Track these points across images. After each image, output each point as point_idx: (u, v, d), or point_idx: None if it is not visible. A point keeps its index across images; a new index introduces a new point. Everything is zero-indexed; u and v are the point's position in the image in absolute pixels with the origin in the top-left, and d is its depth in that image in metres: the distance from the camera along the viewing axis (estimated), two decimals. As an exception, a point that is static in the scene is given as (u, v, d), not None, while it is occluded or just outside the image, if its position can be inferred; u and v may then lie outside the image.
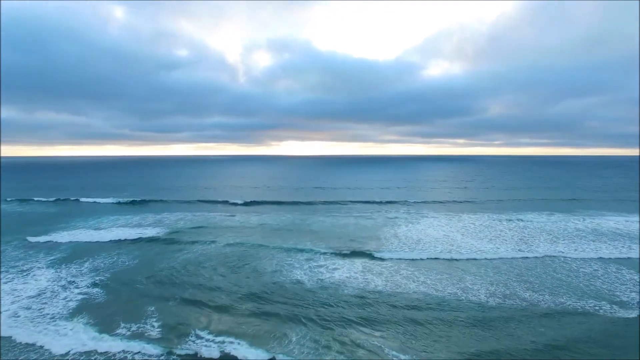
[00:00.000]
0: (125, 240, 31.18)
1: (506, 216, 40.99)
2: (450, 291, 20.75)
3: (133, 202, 51.78)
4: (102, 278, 22.38)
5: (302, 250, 28.01)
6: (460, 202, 52.37)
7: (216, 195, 60.20)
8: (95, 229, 35.29)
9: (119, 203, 51.65)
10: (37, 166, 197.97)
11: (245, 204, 50.43)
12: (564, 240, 30.64)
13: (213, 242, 30.29)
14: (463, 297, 19.88)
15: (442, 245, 29.00)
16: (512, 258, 25.63)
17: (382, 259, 25.79)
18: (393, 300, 19.45)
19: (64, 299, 19.60)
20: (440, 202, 51.69)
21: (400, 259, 25.84)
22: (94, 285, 21.45)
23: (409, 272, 23.61)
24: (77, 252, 27.84)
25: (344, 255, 26.79)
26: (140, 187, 74.68)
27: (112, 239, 31.18)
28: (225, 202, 50.93)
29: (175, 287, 21.08)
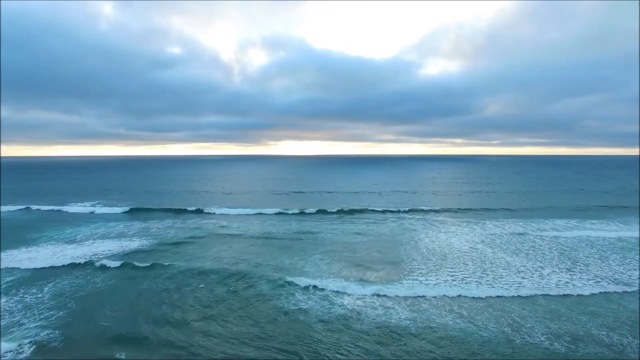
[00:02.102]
0: (102, 255, 26.64)
1: (534, 224, 36.72)
2: (495, 328, 16.39)
3: (119, 207, 47.10)
4: (63, 313, 17.79)
5: (305, 269, 23.64)
6: (477, 207, 48.07)
7: (211, 200, 55.73)
8: (69, 242, 30.70)
9: (103, 208, 46.92)
10: (28, 167, 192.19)
11: (242, 210, 45.87)
12: (612, 253, 26.40)
13: (203, 258, 25.85)
14: (516, 339, 15.51)
15: (473, 263, 24.65)
16: (566, 287, 21.28)
17: (405, 281, 21.39)
18: (425, 342, 15.11)
19: (9, 338, 15.10)
20: (456, 208, 47.36)
21: (426, 280, 21.45)
22: (53, 321, 16.94)
23: (438, 296, 19.28)
24: (41, 272, 23.35)
25: (357, 276, 22.38)
26: (131, 190, 69.97)
27: (85, 254, 26.57)
28: (220, 208, 46.38)
29: (153, 325, 16.60)
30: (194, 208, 46.27)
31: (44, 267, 24.04)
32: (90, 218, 41.73)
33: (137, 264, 24.57)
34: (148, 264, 24.29)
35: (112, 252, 27.88)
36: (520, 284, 20.45)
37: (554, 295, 19.23)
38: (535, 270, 22.78)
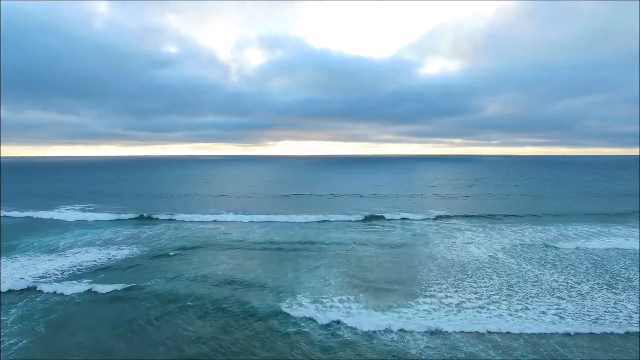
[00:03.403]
0: (82, 267, 23.91)
1: (554, 229, 34.08)
2: (537, 361, 13.75)
3: (109, 211, 44.33)
4: (26, 343, 15.05)
5: (310, 284, 20.96)
6: (490, 211, 45.46)
7: (207, 203, 53.00)
8: (49, 251, 27.91)
9: (92, 212, 44.11)
10: (22, 168, 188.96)
11: (240, 216, 43.17)
12: (651, 266, 23.77)
13: (195, 274, 23.07)
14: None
15: (498, 277, 21.94)
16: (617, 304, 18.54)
17: (422, 299, 18.68)
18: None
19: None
20: (467, 212, 44.72)
21: (446, 298, 18.74)
22: (12, 354, 14.23)
23: (464, 321, 16.58)
24: (11, 289, 20.58)
25: (367, 293, 19.68)
26: (124, 192, 67.15)
27: (63, 266, 23.80)
28: (217, 214, 43.66)
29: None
30: (188, 213, 43.54)
31: (26, 272, 21.23)
32: (77, 223, 38.89)
33: (119, 283, 21.75)
34: (132, 284, 21.23)
35: (95, 263, 25.10)
36: (559, 305, 17.67)
37: (602, 321, 16.43)
38: (571, 287, 20.06)
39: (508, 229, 34.65)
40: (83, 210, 47.01)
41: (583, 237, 31.23)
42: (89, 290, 20.26)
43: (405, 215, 41.03)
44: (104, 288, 20.28)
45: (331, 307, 18.18)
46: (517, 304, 18.21)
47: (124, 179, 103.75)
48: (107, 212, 43.97)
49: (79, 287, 20.56)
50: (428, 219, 39.57)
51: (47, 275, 22.22)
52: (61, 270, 23.23)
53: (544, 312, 16.91)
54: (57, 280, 21.57)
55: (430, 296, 19.52)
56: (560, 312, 16.81)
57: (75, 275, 22.47)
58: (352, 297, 19.40)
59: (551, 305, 17.65)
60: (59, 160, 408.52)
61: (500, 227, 35.48)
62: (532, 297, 18.93)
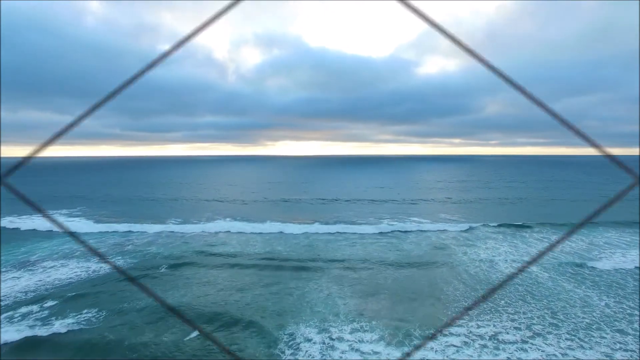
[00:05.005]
0: (52, 287, 20.62)
1: (583, 237, 30.75)
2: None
3: (95, 218, 41.09)
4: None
5: (316, 308, 17.77)
6: (507, 217, 42.28)
7: (202, 209, 49.81)
8: (17, 266, 24.61)
9: (75, 219, 40.86)
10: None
11: (237, 223, 39.91)
12: None
13: (184, 294, 19.81)
14: None
15: (535, 299, 18.64)
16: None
17: (448, 327, 15.44)
18: None
19: None
20: (483, 218, 41.49)
21: (478, 328, 15.50)
22: None
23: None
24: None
25: (382, 320, 16.43)
26: (114, 196, 63.90)
27: (28, 288, 20.46)
28: (212, 220, 40.42)
29: None
30: (182, 220, 40.28)
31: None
32: (57, 232, 35.57)
33: (89, 311, 18.35)
34: (103, 318, 17.77)
35: (70, 281, 21.88)
36: (625, 343, 14.29)
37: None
38: (630, 315, 16.73)
39: (531, 237, 31.43)
40: (69, 215, 43.89)
41: (618, 247, 28.05)
42: (58, 313, 16.84)
43: (419, 223, 37.65)
44: (67, 326, 16.15)
45: (340, 339, 15.03)
46: (568, 338, 14.93)
47: (118, 180, 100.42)
48: (94, 218, 40.76)
49: (30, 327, 16.20)
50: (444, 227, 36.01)
51: (4, 299, 18.88)
52: (24, 292, 19.91)
53: (608, 355, 13.59)
54: (12, 307, 18.04)
55: (458, 325, 16.29)
56: (633, 356, 13.50)
57: (40, 298, 19.06)
58: (365, 325, 16.22)
59: (615, 343, 14.34)
60: (57, 160, 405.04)
61: (523, 234, 32.24)
62: (585, 328, 15.65)
